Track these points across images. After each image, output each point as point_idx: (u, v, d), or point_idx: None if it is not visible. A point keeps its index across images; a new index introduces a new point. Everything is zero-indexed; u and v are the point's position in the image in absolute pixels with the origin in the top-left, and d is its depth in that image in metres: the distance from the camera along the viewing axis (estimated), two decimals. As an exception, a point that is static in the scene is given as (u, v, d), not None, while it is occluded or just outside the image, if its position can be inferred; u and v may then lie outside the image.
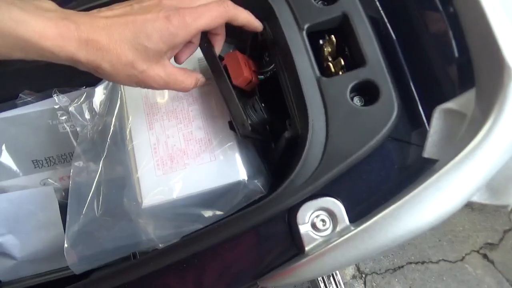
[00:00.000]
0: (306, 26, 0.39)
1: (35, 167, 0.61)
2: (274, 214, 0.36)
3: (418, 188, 0.31)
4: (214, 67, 0.41)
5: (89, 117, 0.49)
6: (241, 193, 0.42)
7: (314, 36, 0.41)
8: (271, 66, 0.47)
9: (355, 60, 0.39)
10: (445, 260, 1.26)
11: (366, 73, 0.37)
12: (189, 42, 0.39)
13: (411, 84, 0.39)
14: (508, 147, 0.31)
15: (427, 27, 0.39)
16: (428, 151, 0.35)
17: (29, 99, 0.57)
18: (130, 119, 0.45)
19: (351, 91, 0.37)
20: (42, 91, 0.57)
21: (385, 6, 0.42)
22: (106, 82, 0.49)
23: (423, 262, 1.25)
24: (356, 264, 1.26)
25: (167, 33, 0.33)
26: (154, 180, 0.42)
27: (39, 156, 0.60)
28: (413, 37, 0.40)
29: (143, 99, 0.46)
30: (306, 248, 0.35)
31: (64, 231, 0.57)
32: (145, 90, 0.47)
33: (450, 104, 0.34)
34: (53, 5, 0.32)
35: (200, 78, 0.40)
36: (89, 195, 0.43)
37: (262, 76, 0.46)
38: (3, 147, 0.58)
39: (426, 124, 0.38)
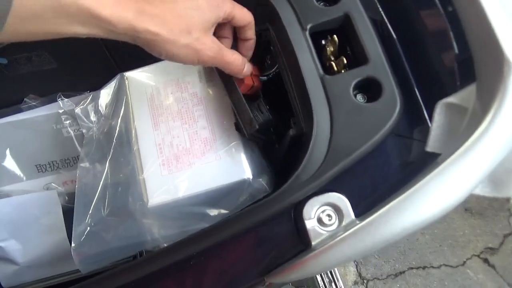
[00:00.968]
0: (309, 26, 0.40)
1: (38, 172, 0.61)
2: (280, 210, 0.36)
3: (422, 181, 0.32)
4: (222, 73, 0.43)
5: (94, 119, 0.50)
6: (246, 191, 0.43)
7: (316, 36, 0.41)
8: (274, 68, 0.47)
9: (357, 58, 0.40)
10: (446, 265, 1.26)
11: (369, 70, 0.38)
12: (223, 38, 0.42)
13: (412, 80, 0.40)
14: (509, 140, 0.31)
15: (426, 25, 0.40)
16: (431, 145, 0.35)
17: (34, 103, 0.58)
18: (136, 120, 0.46)
19: (354, 89, 0.38)
20: (47, 95, 0.58)
21: (385, 6, 0.43)
22: (112, 84, 0.50)
23: (424, 267, 1.25)
24: (357, 270, 1.26)
25: (214, 3, 0.37)
26: (159, 180, 0.43)
27: (43, 161, 0.60)
28: (413, 35, 0.41)
29: (148, 100, 0.47)
30: (313, 243, 0.35)
31: (68, 235, 0.58)
32: (150, 91, 0.47)
33: (451, 99, 0.34)
34: None
35: (249, 66, 0.43)
36: (95, 196, 0.44)
37: (265, 78, 0.47)
38: (7, 151, 0.58)
39: (428, 120, 0.39)
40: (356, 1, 0.40)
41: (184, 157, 0.44)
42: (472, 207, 1.34)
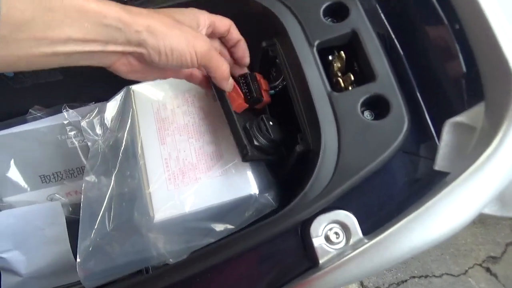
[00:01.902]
0: (316, 43, 0.40)
1: (42, 182, 0.61)
2: (288, 227, 0.36)
3: (431, 200, 0.32)
4: (219, 93, 0.43)
5: (100, 132, 0.50)
6: (252, 207, 0.43)
7: (323, 52, 0.42)
8: (279, 80, 0.47)
9: (364, 75, 0.40)
10: (448, 274, 1.25)
11: (376, 88, 0.38)
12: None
13: (419, 97, 0.40)
14: (519, 159, 0.31)
15: (434, 42, 0.40)
16: (439, 164, 0.35)
17: (39, 114, 0.58)
18: (142, 134, 0.46)
19: (361, 106, 0.38)
20: (52, 106, 0.58)
21: (392, 22, 0.43)
22: (118, 97, 0.50)
23: (426, 276, 1.25)
24: (359, 279, 1.25)
25: (190, 12, 0.39)
26: (166, 194, 0.43)
27: (47, 171, 0.60)
28: (421, 52, 0.41)
29: (154, 114, 0.47)
30: (320, 261, 0.35)
31: (71, 247, 0.57)
32: (157, 105, 0.47)
33: (460, 118, 0.34)
34: None
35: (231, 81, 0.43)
36: (101, 210, 0.44)
37: (273, 92, 0.47)
38: (12, 161, 0.58)
39: (436, 138, 0.39)
40: (364, 18, 0.40)
41: (191, 171, 0.43)
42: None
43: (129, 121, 0.47)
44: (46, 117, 0.58)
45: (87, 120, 0.50)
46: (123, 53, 0.35)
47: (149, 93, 0.48)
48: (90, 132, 0.50)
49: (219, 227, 0.43)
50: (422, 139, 0.39)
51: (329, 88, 0.39)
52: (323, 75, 0.39)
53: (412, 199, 0.35)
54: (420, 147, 0.39)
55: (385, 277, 1.24)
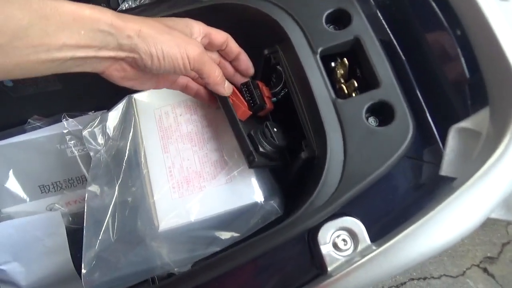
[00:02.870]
0: (319, 50, 0.40)
1: (41, 192, 0.60)
2: (295, 235, 0.36)
3: (439, 206, 0.32)
4: (223, 101, 0.43)
5: (102, 142, 0.49)
6: (257, 214, 0.43)
7: (325, 59, 0.42)
8: (280, 86, 0.47)
9: (367, 81, 0.40)
10: (446, 275, 1.26)
11: (381, 94, 0.38)
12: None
13: (423, 103, 0.40)
14: (524, 164, 0.31)
15: (436, 48, 0.40)
16: (445, 169, 0.36)
17: (38, 124, 0.57)
18: (145, 143, 0.45)
19: (366, 112, 0.38)
20: (51, 116, 0.58)
21: (394, 29, 0.43)
22: (120, 106, 0.50)
23: (425, 278, 1.25)
24: (358, 282, 1.25)
25: (183, 22, 0.39)
26: (170, 203, 0.42)
27: (46, 181, 0.60)
28: (423, 58, 0.42)
29: (157, 122, 0.47)
30: (329, 269, 0.35)
31: (72, 257, 0.57)
32: (159, 113, 0.47)
33: (465, 123, 0.35)
34: None
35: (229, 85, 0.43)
36: (105, 220, 0.43)
37: (275, 99, 0.47)
38: (10, 172, 0.58)
39: (440, 143, 0.39)
40: (366, 25, 0.41)
41: (195, 180, 0.43)
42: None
43: (132, 130, 0.46)
44: (46, 126, 0.57)
45: (88, 129, 0.49)
46: (116, 59, 0.35)
47: (151, 101, 0.48)
48: (92, 141, 0.49)
49: (225, 235, 0.43)
50: (426, 144, 0.40)
51: (333, 95, 0.39)
52: (327, 82, 0.39)
53: (418, 204, 0.35)
54: (424, 152, 0.40)
55: (384, 280, 1.25)
